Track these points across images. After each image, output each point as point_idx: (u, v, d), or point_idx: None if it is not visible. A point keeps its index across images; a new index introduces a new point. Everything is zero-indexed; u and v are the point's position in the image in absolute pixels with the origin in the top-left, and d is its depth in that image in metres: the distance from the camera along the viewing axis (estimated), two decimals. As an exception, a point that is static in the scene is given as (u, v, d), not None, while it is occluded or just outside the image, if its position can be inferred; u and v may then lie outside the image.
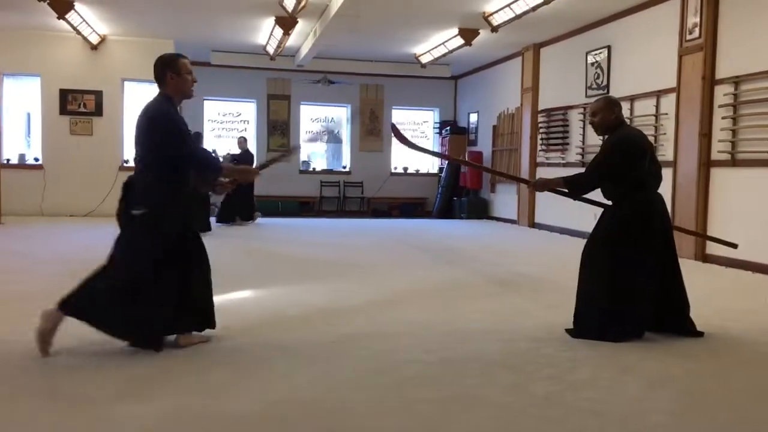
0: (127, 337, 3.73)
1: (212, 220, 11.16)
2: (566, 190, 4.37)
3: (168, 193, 3.69)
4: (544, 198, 11.23)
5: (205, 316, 3.89)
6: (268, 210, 13.46)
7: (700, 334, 4.23)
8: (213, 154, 11.09)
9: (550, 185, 4.41)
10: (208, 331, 3.95)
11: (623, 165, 4.13)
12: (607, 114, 4.28)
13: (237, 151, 12.47)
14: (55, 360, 3.51)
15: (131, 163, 12.48)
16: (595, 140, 9.37)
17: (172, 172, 3.69)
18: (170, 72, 3.74)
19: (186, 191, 3.81)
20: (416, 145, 5.05)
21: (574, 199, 4.42)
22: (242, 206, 11.77)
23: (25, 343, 3.78)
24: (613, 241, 4.16)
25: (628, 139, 4.19)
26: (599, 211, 4.40)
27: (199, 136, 11.28)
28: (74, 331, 4.09)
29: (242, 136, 12.84)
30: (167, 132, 3.65)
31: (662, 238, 4.18)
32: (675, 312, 4.23)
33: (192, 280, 3.80)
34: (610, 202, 4.33)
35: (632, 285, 4.09)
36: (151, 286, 3.64)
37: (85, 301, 3.61)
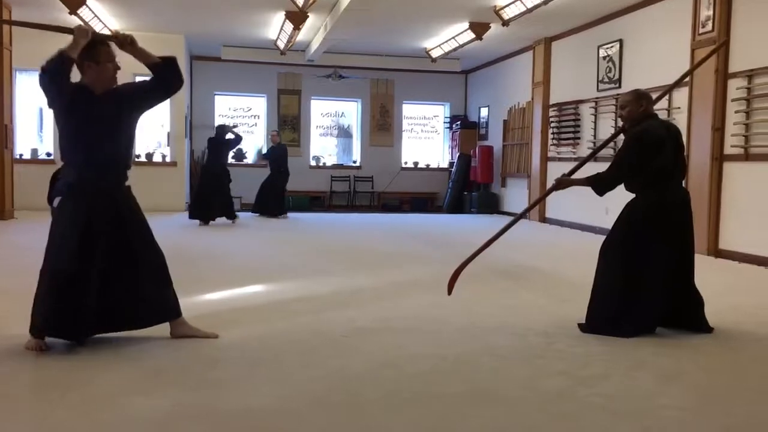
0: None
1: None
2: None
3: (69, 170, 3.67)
4: (555, 193, 11.16)
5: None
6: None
7: (711, 330, 4.21)
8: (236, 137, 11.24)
9: (573, 184, 4.39)
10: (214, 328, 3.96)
11: (642, 158, 4.10)
12: (634, 107, 4.24)
13: (266, 146, 12.68)
14: (66, 355, 3.53)
15: (143, 158, 12.69)
16: (607, 135, 9.32)
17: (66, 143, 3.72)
18: (87, 61, 3.60)
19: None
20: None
21: (600, 196, 4.38)
22: (274, 201, 12.10)
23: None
24: (630, 234, 4.14)
25: (645, 132, 4.14)
26: (611, 205, 4.38)
27: (223, 128, 11.41)
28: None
29: (275, 130, 13.04)
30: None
31: (680, 232, 4.15)
32: (689, 308, 4.21)
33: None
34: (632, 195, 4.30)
35: (646, 279, 4.07)
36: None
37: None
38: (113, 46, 3.67)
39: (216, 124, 14.71)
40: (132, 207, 3.81)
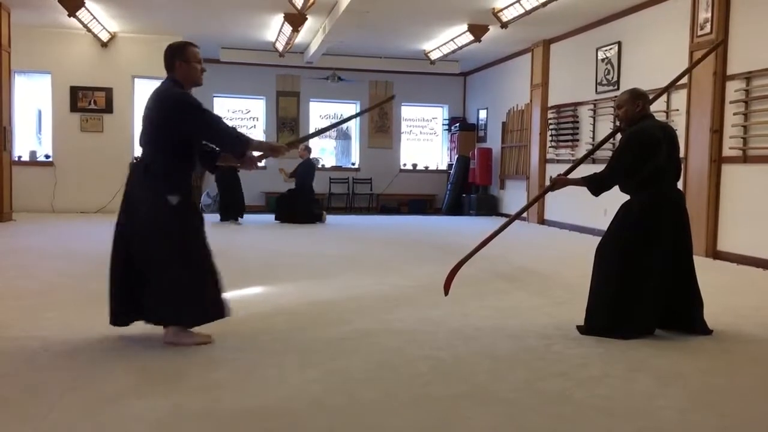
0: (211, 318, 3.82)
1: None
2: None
3: (187, 176, 3.79)
4: (553, 195, 11.18)
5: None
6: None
7: (710, 332, 4.21)
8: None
9: (569, 183, 4.38)
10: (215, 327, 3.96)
11: (638, 158, 4.09)
12: (631, 106, 4.23)
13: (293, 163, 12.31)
14: (67, 356, 3.53)
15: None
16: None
17: (185, 153, 3.75)
18: (179, 60, 3.79)
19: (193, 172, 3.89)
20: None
21: (596, 196, 4.38)
22: (303, 207, 11.93)
23: (37, 339, 3.82)
24: (625, 236, 4.15)
25: (640, 132, 4.14)
26: (610, 207, 4.38)
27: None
28: (83, 327, 4.12)
29: (306, 145, 12.10)
30: (183, 109, 3.68)
31: (676, 233, 4.16)
32: (688, 309, 4.21)
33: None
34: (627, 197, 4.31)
35: (642, 281, 4.07)
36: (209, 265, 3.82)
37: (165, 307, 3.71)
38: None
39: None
40: None
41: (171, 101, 3.72)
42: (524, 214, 12.44)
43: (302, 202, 11.95)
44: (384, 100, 5.30)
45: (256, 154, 4.02)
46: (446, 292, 4.53)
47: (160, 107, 3.72)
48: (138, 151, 12.52)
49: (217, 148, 3.99)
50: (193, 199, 3.87)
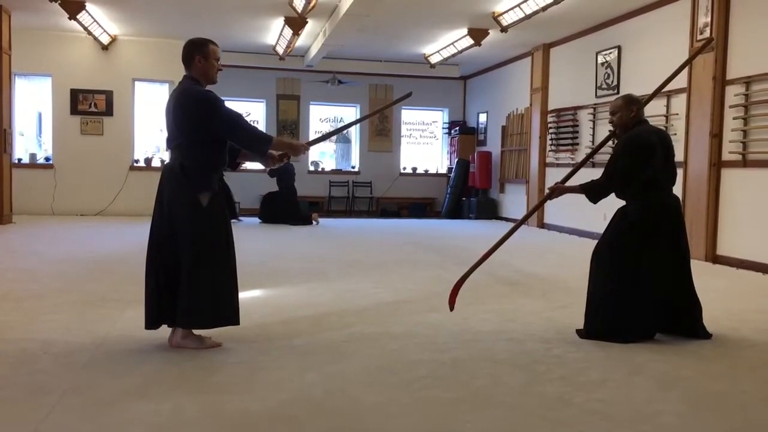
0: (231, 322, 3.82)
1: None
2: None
3: (216, 175, 3.80)
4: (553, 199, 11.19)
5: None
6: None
7: (709, 336, 4.21)
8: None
9: (567, 191, 4.38)
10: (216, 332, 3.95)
11: (634, 164, 4.10)
12: (625, 112, 4.23)
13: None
14: (67, 359, 3.53)
15: (141, 163, 12.70)
16: (604, 140, 9.35)
17: (213, 152, 3.76)
18: (198, 55, 3.78)
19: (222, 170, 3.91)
20: None
21: (594, 203, 4.38)
22: (286, 208, 12.31)
23: (37, 341, 3.83)
24: (621, 243, 4.14)
25: (635, 138, 4.14)
26: (609, 213, 4.38)
27: None
28: (83, 330, 4.12)
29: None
30: (207, 108, 3.69)
31: (673, 239, 4.16)
32: (687, 314, 4.21)
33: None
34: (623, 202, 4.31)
35: (640, 285, 4.07)
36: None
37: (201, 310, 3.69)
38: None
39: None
40: None
41: (193, 100, 3.71)
42: (524, 218, 12.47)
43: (285, 203, 12.34)
44: (401, 98, 5.33)
45: (276, 152, 4.02)
46: (451, 308, 4.47)
47: (184, 107, 3.71)
48: (138, 154, 12.63)
49: (239, 146, 3.98)
50: (221, 199, 3.86)
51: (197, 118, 3.68)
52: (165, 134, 3.92)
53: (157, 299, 3.70)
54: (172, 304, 3.69)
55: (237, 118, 3.80)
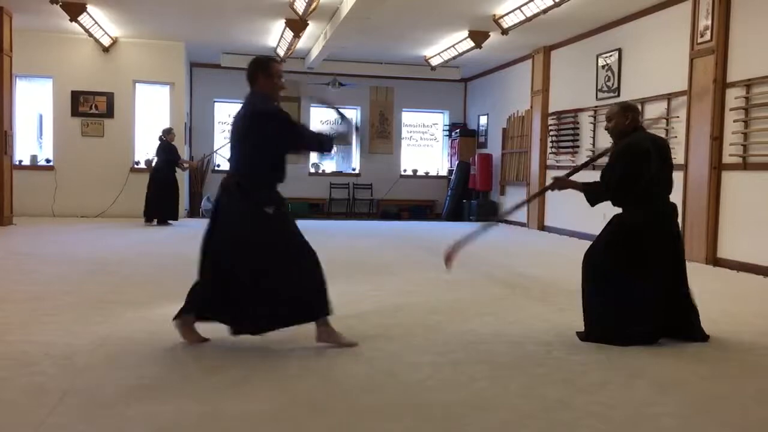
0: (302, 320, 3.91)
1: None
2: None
3: (278, 185, 3.94)
4: (554, 201, 11.21)
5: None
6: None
7: (707, 338, 4.21)
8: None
9: (570, 185, 4.38)
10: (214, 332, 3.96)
11: (630, 170, 4.08)
12: (620, 119, 4.23)
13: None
14: (67, 360, 3.54)
15: (143, 165, 12.71)
16: (605, 143, 9.35)
17: (277, 166, 3.89)
18: (261, 74, 3.92)
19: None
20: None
21: (592, 206, 4.38)
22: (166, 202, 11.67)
23: (37, 343, 3.82)
24: (617, 249, 4.12)
25: (631, 146, 4.13)
26: (609, 212, 4.37)
27: (169, 131, 11.50)
28: (83, 331, 4.12)
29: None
30: (281, 128, 3.82)
31: (669, 246, 4.15)
32: (684, 317, 4.20)
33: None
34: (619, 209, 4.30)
35: (634, 293, 4.05)
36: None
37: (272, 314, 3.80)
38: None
39: (214, 130, 14.82)
40: None
41: (266, 120, 3.81)
42: (524, 220, 12.50)
43: (167, 197, 11.34)
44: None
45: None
46: (448, 267, 4.48)
47: (258, 126, 3.81)
48: (138, 156, 12.61)
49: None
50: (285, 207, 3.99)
51: (273, 138, 3.80)
52: (229, 152, 4.10)
53: (221, 300, 3.80)
54: (231, 309, 3.79)
55: (303, 132, 4.01)
